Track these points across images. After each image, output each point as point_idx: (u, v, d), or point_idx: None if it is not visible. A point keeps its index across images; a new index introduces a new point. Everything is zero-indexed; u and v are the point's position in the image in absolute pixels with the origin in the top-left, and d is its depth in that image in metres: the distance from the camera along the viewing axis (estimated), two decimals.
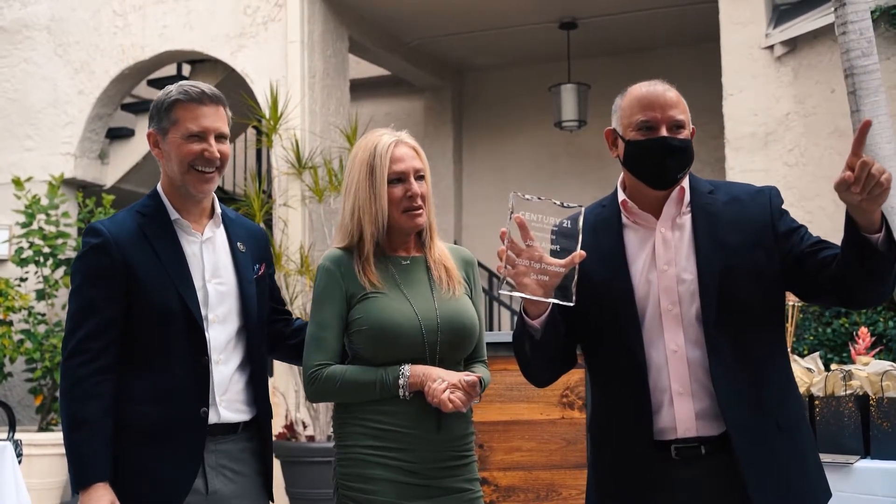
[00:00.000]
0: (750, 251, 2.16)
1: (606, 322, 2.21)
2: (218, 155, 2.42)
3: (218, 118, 2.44)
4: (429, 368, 2.37)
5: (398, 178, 2.45)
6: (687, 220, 2.22)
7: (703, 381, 2.14)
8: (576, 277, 2.09)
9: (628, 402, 2.20)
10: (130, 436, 2.35)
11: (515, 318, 2.31)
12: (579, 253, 2.08)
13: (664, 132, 2.18)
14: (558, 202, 2.12)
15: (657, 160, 2.18)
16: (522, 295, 2.09)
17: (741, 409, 2.13)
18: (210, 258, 2.48)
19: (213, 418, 2.40)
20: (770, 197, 2.23)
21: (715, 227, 2.19)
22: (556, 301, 2.10)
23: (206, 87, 2.47)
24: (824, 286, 2.12)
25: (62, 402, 2.36)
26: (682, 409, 2.15)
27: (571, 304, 2.10)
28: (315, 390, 2.44)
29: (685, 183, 2.24)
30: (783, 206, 2.24)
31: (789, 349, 4.06)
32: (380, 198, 2.44)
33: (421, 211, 2.46)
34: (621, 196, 2.27)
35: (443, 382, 2.33)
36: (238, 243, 2.54)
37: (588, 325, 2.25)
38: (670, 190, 2.23)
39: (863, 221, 1.98)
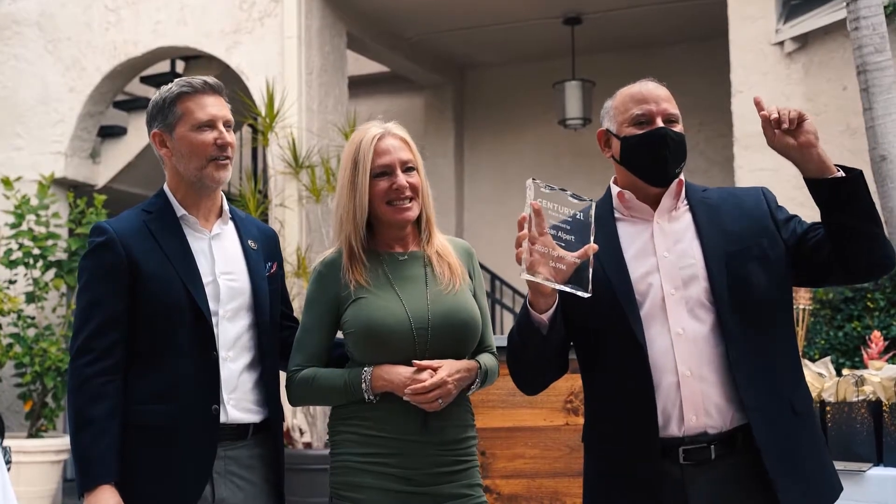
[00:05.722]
0: (753, 237, 2.23)
1: (605, 312, 2.20)
2: (230, 140, 2.45)
3: (222, 106, 2.48)
4: (391, 370, 2.35)
5: (383, 172, 2.43)
6: (684, 212, 2.28)
7: (715, 363, 2.15)
8: (591, 268, 2.11)
9: (631, 394, 2.17)
10: (139, 437, 2.35)
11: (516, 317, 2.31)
12: (592, 245, 2.10)
13: (661, 123, 2.22)
14: (570, 194, 2.15)
15: (656, 152, 2.21)
16: (542, 280, 2.09)
17: (759, 392, 2.14)
18: (220, 253, 2.49)
19: (221, 417, 2.39)
20: (763, 192, 2.33)
21: (715, 216, 2.27)
22: (572, 290, 2.10)
23: (206, 77, 2.49)
24: (824, 262, 2.18)
25: (69, 401, 2.37)
26: (689, 390, 2.13)
27: (588, 294, 2.11)
28: (291, 394, 2.48)
29: (682, 176, 2.29)
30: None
31: (800, 353, 4.06)
32: (360, 194, 2.42)
33: (410, 203, 2.44)
34: (616, 189, 2.31)
35: (415, 382, 2.31)
36: (249, 241, 2.55)
37: (586, 324, 2.24)
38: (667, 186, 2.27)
39: (814, 169, 2.10)
